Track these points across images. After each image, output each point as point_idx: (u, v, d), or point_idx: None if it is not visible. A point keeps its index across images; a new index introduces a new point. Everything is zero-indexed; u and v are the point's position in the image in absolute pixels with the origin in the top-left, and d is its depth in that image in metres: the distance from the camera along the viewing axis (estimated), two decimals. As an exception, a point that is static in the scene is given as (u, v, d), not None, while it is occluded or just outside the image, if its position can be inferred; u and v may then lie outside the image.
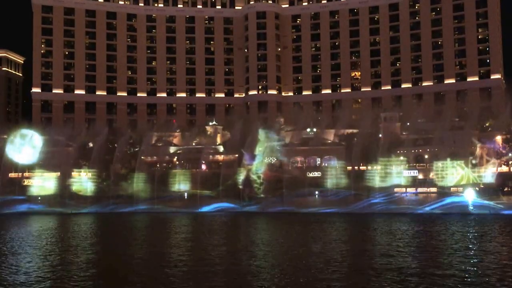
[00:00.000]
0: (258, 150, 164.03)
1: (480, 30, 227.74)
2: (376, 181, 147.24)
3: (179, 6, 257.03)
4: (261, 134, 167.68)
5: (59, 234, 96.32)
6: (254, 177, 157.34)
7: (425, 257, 60.95)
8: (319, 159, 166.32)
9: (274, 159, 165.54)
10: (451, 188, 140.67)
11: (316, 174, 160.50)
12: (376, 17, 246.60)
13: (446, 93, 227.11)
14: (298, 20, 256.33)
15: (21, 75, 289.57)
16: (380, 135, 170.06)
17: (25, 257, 64.48)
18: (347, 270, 54.57)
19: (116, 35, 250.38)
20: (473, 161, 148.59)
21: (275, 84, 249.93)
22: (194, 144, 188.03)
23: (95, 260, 63.24)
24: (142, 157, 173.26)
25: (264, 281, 48.89)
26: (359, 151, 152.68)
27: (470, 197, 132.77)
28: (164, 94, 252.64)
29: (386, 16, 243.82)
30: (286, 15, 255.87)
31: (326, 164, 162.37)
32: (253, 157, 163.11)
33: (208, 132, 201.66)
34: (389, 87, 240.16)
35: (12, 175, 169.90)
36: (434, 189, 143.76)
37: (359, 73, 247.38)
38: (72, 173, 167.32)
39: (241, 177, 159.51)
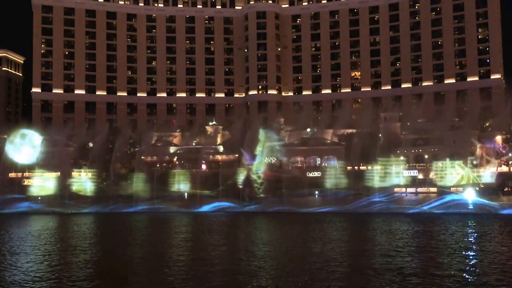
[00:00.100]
0: (258, 150, 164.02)
1: (480, 30, 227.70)
2: (376, 181, 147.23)
3: (179, 6, 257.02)
4: (261, 134, 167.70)
5: (59, 234, 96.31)
6: (254, 177, 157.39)
7: (424, 257, 60.94)
8: (319, 159, 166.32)
9: (274, 159, 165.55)
10: (451, 188, 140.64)
11: (316, 174, 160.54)
12: (376, 17, 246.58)
13: (446, 93, 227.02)
14: (298, 20, 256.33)
15: (21, 75, 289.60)
16: (380, 135, 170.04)
17: (25, 257, 64.50)
18: (347, 270, 54.54)
19: (116, 35, 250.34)
20: (474, 162, 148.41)
21: (275, 84, 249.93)
22: (194, 144, 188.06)
23: (95, 260, 63.22)
24: (142, 157, 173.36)
25: (264, 281, 48.87)
26: (359, 151, 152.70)
27: (470, 196, 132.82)
28: (164, 94, 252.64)
29: (386, 16, 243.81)
30: (286, 15, 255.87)
31: (326, 164, 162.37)
32: (253, 157, 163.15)
33: (208, 132, 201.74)
34: (389, 87, 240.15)
35: (12, 175, 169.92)
36: (434, 189, 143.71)
37: (359, 73, 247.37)
38: (72, 173, 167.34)
39: (241, 177, 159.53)
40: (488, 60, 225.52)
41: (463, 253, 64.71)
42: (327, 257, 61.62)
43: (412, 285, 46.44)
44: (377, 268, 53.91)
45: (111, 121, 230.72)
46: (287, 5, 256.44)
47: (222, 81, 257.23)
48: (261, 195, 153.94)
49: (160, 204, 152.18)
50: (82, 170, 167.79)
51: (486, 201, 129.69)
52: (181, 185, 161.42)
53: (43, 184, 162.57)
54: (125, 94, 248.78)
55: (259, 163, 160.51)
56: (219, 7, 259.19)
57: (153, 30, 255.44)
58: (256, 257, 62.39)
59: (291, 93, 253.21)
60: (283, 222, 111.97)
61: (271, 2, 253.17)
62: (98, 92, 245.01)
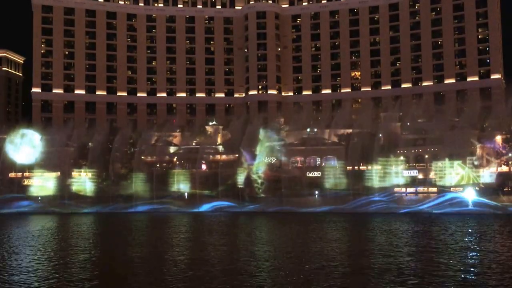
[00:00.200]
0: (259, 150, 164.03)
1: (480, 30, 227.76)
2: (375, 181, 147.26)
3: (179, 6, 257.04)
4: (261, 134, 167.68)
5: (58, 234, 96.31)
6: (254, 177, 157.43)
7: (424, 257, 60.92)
8: (319, 159, 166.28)
9: (274, 159, 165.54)
10: (451, 188, 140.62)
11: (316, 174, 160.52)
12: (376, 17, 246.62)
13: (446, 93, 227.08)
14: (298, 20, 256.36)
15: (21, 75, 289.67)
16: (380, 135, 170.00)
17: (24, 257, 64.49)
18: (346, 269, 54.51)
19: (116, 35, 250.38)
20: (475, 163, 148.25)
21: (275, 84, 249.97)
22: (194, 144, 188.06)
23: (94, 260, 63.20)
24: (142, 157, 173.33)
25: (263, 282, 48.85)
26: (358, 151, 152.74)
27: (470, 196, 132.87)
28: (164, 94, 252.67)
29: (386, 16, 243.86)
30: (286, 15, 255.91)
31: (325, 164, 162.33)
32: (253, 156, 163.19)
33: (208, 132, 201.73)
34: (389, 87, 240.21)
35: (12, 175, 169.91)
36: (434, 189, 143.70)
37: (359, 73, 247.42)
38: (72, 173, 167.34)
39: (241, 177, 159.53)
40: (488, 60, 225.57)
41: (463, 253, 64.63)
42: (326, 257, 61.58)
43: (412, 285, 46.39)
44: (376, 268, 53.87)
45: (111, 121, 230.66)
46: (287, 5, 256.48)
47: (222, 81, 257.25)
48: (262, 195, 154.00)
49: (160, 204, 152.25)
50: (82, 170, 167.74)
51: (487, 200, 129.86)
52: (181, 185, 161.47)
53: (43, 184, 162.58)
54: (125, 94, 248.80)
55: (259, 163, 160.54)
56: (219, 7, 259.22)
57: (153, 30, 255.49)
58: (255, 257, 62.35)
59: (291, 93, 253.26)
60: (283, 222, 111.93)
61: (271, 2, 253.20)
62: (98, 92, 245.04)
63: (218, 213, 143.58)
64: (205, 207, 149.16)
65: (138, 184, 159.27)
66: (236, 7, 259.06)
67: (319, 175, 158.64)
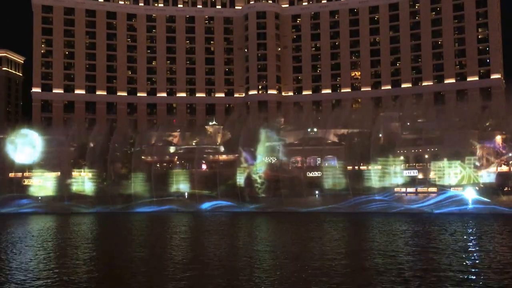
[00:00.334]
0: (259, 150, 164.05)
1: (480, 30, 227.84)
2: (375, 181, 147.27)
3: (179, 6, 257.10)
4: (261, 134, 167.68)
5: (58, 234, 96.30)
6: (255, 176, 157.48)
7: (424, 257, 60.92)
8: (319, 159, 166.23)
9: (274, 159, 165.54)
10: (451, 188, 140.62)
11: (316, 174, 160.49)
12: (376, 17, 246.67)
13: (446, 93, 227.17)
14: (298, 20, 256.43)
15: (21, 75, 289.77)
16: (380, 135, 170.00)
17: (24, 258, 64.49)
18: (346, 269, 54.51)
19: (116, 35, 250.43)
20: (477, 163, 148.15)
21: (275, 84, 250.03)
22: (194, 144, 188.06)
23: (94, 260, 63.23)
24: (142, 157, 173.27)
25: (263, 281, 48.85)
26: (358, 151, 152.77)
27: (470, 195, 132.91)
28: (164, 94, 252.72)
29: (386, 16, 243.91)
30: (286, 15, 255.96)
31: (326, 164, 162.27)
32: (253, 157, 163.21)
33: (208, 132, 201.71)
34: (389, 87, 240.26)
35: (12, 175, 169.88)
36: (434, 189, 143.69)
37: (359, 73, 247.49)
38: (72, 173, 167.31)
39: (240, 177, 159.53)
40: (488, 60, 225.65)
41: (463, 253, 64.62)
42: (326, 256, 61.60)
43: (412, 285, 46.39)
44: (376, 268, 53.85)
45: (111, 121, 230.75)
46: (287, 5, 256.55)
47: (222, 81, 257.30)
48: (262, 195, 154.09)
49: (159, 203, 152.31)
50: (82, 170, 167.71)
51: (487, 200, 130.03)
52: (181, 185, 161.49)
53: (43, 184, 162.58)
54: (125, 94, 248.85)
55: (260, 163, 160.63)
56: (219, 7, 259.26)
57: (153, 30, 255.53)
58: (255, 257, 62.35)
59: (291, 93, 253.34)
60: (282, 222, 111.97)
61: (271, 2, 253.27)
62: (98, 92, 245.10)
63: (218, 212, 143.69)
64: (205, 205, 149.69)
65: (137, 184, 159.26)
66: (236, 7, 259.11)
67: (319, 175, 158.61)
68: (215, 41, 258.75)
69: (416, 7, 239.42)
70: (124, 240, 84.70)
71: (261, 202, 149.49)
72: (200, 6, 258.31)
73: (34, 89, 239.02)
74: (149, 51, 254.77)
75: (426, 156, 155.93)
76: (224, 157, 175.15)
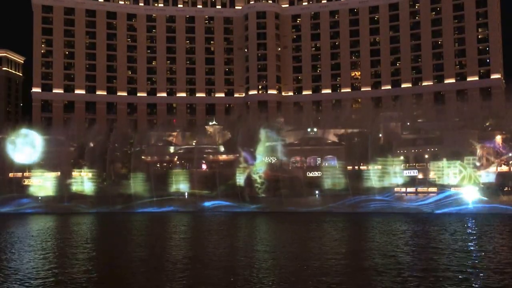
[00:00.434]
0: (259, 150, 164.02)
1: (480, 30, 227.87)
2: (375, 181, 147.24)
3: (179, 6, 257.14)
4: (262, 134, 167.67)
5: (58, 234, 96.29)
6: (255, 176, 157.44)
7: (424, 257, 60.92)
8: (319, 159, 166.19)
9: (274, 159, 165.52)
10: (451, 188, 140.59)
11: (316, 174, 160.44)
12: (376, 17, 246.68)
13: (446, 93, 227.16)
14: (298, 20, 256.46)
15: (21, 75, 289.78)
16: (380, 135, 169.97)
17: (24, 257, 64.49)
18: (346, 269, 54.51)
19: (116, 35, 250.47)
20: (477, 163, 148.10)
21: (275, 84, 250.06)
22: (194, 144, 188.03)
23: (93, 260, 63.22)
24: (142, 157, 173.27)
25: (263, 281, 48.85)
26: (358, 151, 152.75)
27: (470, 195, 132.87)
28: (164, 94, 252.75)
29: (386, 16, 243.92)
30: (286, 15, 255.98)
31: (326, 164, 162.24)
32: (253, 157, 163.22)
33: (208, 132, 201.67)
34: (389, 87, 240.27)
35: (12, 174, 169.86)
36: (434, 189, 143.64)
37: (359, 73, 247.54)
38: (72, 173, 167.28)
39: (240, 177, 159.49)
40: (488, 60, 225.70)
41: (463, 253, 64.61)
42: (325, 256, 61.59)
43: (412, 285, 46.38)
44: (376, 268, 53.83)
45: (111, 121, 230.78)
46: (287, 5, 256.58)
47: (222, 81, 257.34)
48: (262, 195, 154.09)
49: (159, 203, 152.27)
50: (82, 170, 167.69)
51: (487, 199, 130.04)
52: (181, 185, 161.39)
53: (43, 184, 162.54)
54: (125, 94, 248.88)
55: (260, 163, 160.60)
56: (219, 7, 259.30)
57: (153, 30, 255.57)
58: (255, 257, 62.36)
59: (291, 93, 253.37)
60: (282, 222, 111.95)
61: (271, 2, 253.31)
62: (98, 92, 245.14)
63: (218, 212, 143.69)
64: (205, 204, 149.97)
65: (137, 184, 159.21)
66: (236, 7, 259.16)
67: (319, 175, 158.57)
68: (215, 41, 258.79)
69: (416, 7, 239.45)
70: (124, 240, 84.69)
71: (261, 202, 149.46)
72: (200, 6, 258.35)
73: (34, 89, 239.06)
74: (149, 51, 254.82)
75: (426, 156, 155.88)
76: (224, 157, 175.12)
